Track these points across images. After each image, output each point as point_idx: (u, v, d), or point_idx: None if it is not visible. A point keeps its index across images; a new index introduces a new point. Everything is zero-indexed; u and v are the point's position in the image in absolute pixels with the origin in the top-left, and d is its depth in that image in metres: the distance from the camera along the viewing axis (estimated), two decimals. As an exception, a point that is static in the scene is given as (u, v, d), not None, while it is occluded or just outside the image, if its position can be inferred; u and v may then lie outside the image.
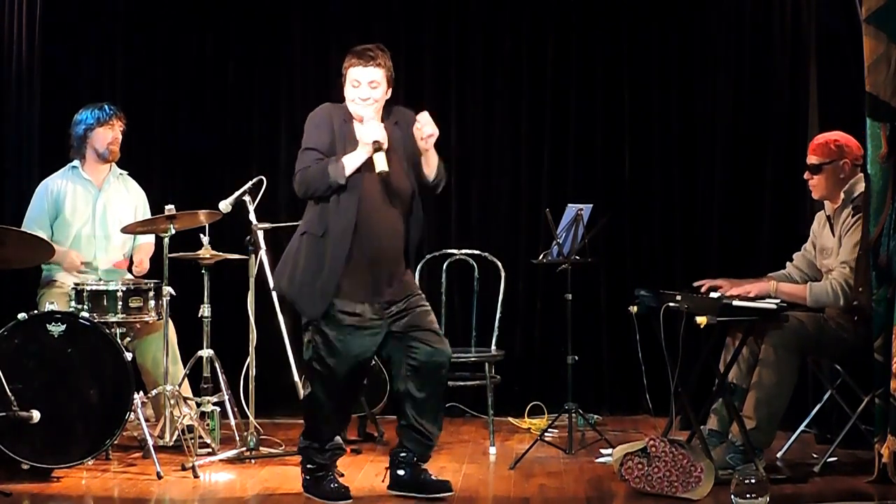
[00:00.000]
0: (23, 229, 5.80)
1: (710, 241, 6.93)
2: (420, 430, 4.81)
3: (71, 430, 5.24)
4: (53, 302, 5.46)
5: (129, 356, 5.39)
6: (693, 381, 5.30)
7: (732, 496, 4.22)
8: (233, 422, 5.74)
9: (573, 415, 5.77)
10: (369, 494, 4.94)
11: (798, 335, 5.11)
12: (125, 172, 6.24)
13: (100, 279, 5.88)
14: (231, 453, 5.55)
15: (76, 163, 6.11)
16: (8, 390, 5.03)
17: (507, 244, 6.96)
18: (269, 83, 7.17)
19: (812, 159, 5.37)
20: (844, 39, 5.95)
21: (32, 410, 5.06)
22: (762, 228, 6.79)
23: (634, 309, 5.39)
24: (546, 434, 5.85)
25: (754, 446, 5.03)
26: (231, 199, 5.56)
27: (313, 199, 4.76)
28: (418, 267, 5.83)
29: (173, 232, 5.61)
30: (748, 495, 4.18)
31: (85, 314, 5.40)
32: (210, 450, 5.58)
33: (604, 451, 5.67)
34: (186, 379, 5.88)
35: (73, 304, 5.63)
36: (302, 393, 5.44)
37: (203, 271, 5.75)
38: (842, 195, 5.29)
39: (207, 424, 5.69)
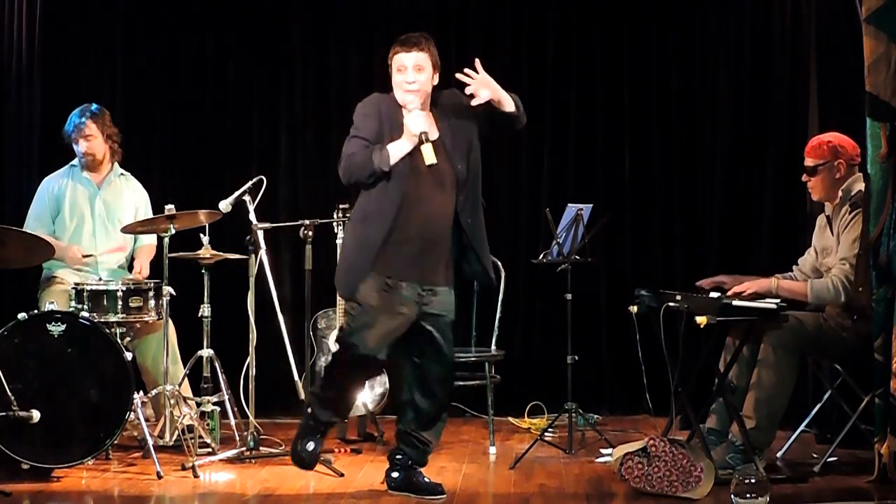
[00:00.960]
0: (25, 228, 5.82)
1: (710, 241, 6.93)
2: (419, 438, 4.84)
3: (71, 430, 5.24)
4: (53, 301, 5.46)
5: (129, 356, 5.40)
6: (693, 381, 5.30)
7: (732, 496, 4.22)
8: (233, 422, 5.74)
9: (573, 415, 5.77)
10: (369, 494, 4.94)
11: (797, 335, 5.11)
12: (127, 173, 6.24)
13: (100, 279, 5.88)
14: (231, 453, 5.55)
15: (76, 161, 6.12)
16: (8, 390, 5.03)
17: (507, 244, 6.95)
18: (269, 83, 7.17)
19: (808, 161, 5.39)
20: (844, 39, 5.96)
21: (32, 410, 5.07)
22: (762, 228, 6.79)
23: (634, 309, 5.39)
24: (546, 434, 5.85)
25: (754, 446, 5.03)
26: (231, 199, 5.56)
27: (357, 186, 4.73)
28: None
29: (173, 232, 5.60)
30: (748, 495, 4.18)
31: (85, 314, 5.40)
32: (210, 450, 5.58)
33: (604, 451, 5.67)
34: (186, 379, 5.89)
35: (73, 303, 5.63)
36: (302, 393, 5.44)
37: (203, 271, 5.75)
38: (839, 193, 5.31)
39: (207, 424, 5.69)
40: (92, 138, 6.04)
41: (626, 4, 7.07)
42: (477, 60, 4.70)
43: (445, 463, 5.56)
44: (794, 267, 5.56)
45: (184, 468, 5.31)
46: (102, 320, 5.52)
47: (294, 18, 7.17)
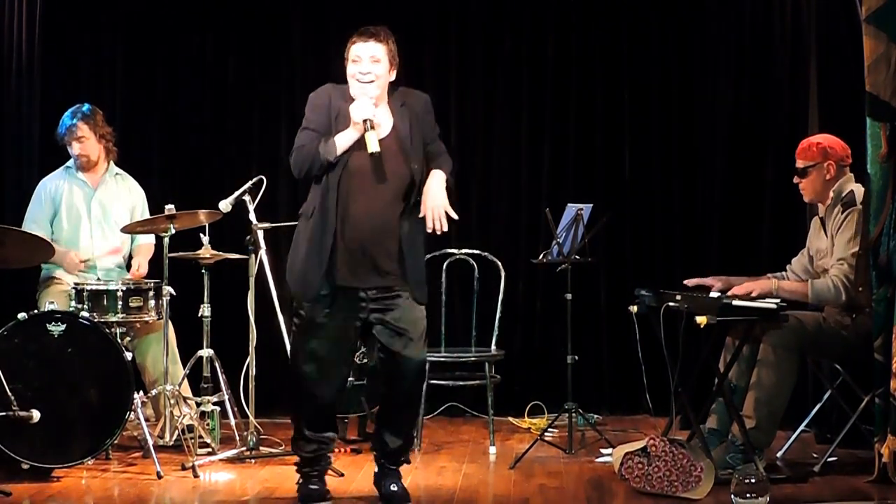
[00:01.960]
0: (23, 229, 5.82)
1: (710, 241, 6.93)
2: (381, 437, 4.77)
3: (71, 430, 5.24)
4: (53, 301, 5.46)
5: (129, 356, 5.40)
6: (693, 381, 5.30)
7: (732, 496, 4.22)
8: (233, 422, 5.74)
9: (573, 414, 5.77)
10: (369, 495, 4.94)
11: (797, 334, 5.11)
12: (123, 172, 6.24)
13: (99, 279, 5.88)
14: (231, 453, 5.55)
15: (71, 162, 6.12)
16: (8, 390, 5.04)
17: (507, 244, 6.95)
18: (269, 83, 7.17)
19: (798, 163, 5.41)
20: (844, 39, 5.96)
21: (32, 410, 5.07)
22: (762, 228, 6.79)
23: (634, 309, 5.39)
24: (546, 434, 5.85)
25: (754, 446, 5.03)
26: (231, 198, 5.56)
27: (309, 179, 4.65)
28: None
29: (173, 232, 5.61)
30: (748, 495, 4.18)
31: (85, 314, 5.40)
32: (210, 450, 5.58)
33: (604, 451, 5.67)
34: (186, 379, 5.89)
35: (73, 303, 5.63)
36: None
37: (203, 271, 5.75)
38: (831, 195, 5.32)
39: (207, 424, 5.69)
40: (85, 139, 6.03)
41: (626, 4, 7.07)
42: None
43: (445, 463, 5.56)
44: (787, 267, 5.56)
45: (184, 468, 5.32)
46: (102, 320, 5.52)
47: (294, 18, 7.17)
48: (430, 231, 4.59)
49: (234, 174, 6.45)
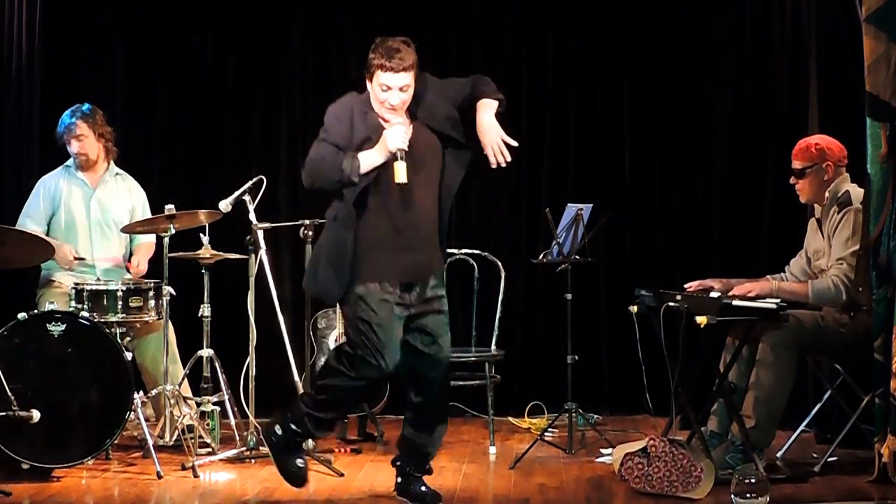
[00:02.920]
0: (19, 225, 5.82)
1: (710, 241, 6.93)
2: (414, 442, 4.74)
3: (71, 430, 5.24)
4: (53, 302, 5.46)
5: (129, 356, 5.40)
6: (693, 381, 5.30)
7: (732, 496, 4.22)
8: (233, 422, 5.74)
9: (573, 415, 5.77)
10: (369, 494, 4.94)
11: (796, 334, 5.11)
12: (123, 172, 6.24)
13: (98, 278, 5.88)
14: (231, 453, 5.55)
15: (70, 162, 6.12)
16: (8, 390, 5.03)
17: (507, 244, 6.96)
18: (269, 83, 7.17)
19: (795, 164, 5.41)
20: (844, 39, 5.95)
21: (32, 410, 5.07)
22: (762, 228, 6.79)
23: (634, 309, 5.39)
24: (546, 434, 5.85)
25: (754, 446, 5.03)
26: (231, 198, 5.55)
27: (320, 191, 4.60)
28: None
29: (173, 232, 5.61)
30: (748, 495, 4.18)
31: (85, 314, 5.40)
32: (210, 449, 5.58)
33: (604, 451, 5.67)
34: (186, 379, 5.88)
35: (72, 303, 5.63)
36: (302, 391, 5.43)
37: (203, 271, 5.75)
38: (827, 195, 5.32)
39: (207, 424, 5.69)
40: (84, 138, 6.03)
41: (626, 4, 7.07)
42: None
43: (445, 463, 5.56)
44: (785, 268, 5.56)
45: (184, 468, 5.31)
46: (102, 320, 5.52)
47: (294, 18, 7.17)
48: (493, 166, 4.56)
49: (234, 174, 6.45)
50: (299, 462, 4.73)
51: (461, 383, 6.19)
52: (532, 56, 7.13)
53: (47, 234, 5.93)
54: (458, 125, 4.64)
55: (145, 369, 5.95)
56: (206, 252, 5.67)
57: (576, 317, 5.81)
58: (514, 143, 4.57)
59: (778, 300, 5.06)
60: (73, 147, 6.04)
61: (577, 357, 5.75)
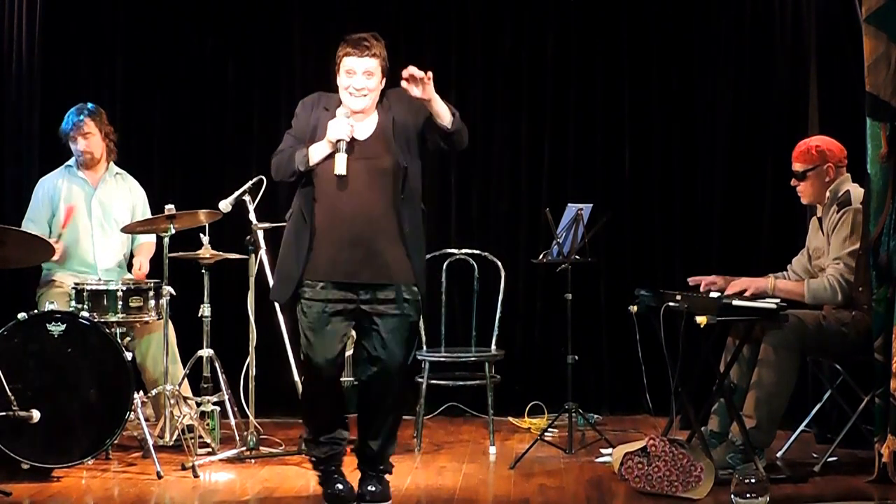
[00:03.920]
0: (22, 229, 5.82)
1: (710, 241, 6.92)
2: (362, 442, 4.74)
3: (71, 430, 5.24)
4: (53, 301, 5.46)
5: (129, 356, 5.40)
6: (693, 381, 5.30)
7: (732, 496, 4.21)
8: (233, 422, 5.74)
9: (573, 414, 5.77)
10: (369, 494, 4.94)
11: (797, 333, 5.11)
12: (123, 172, 6.24)
13: (99, 279, 5.88)
14: (231, 453, 5.55)
15: (71, 161, 6.12)
16: (8, 390, 5.03)
17: (507, 244, 6.95)
18: (269, 83, 7.17)
19: (796, 166, 5.41)
20: (844, 39, 5.95)
21: (32, 410, 5.07)
22: (762, 228, 6.80)
23: (634, 309, 5.39)
24: (546, 434, 5.85)
25: (754, 446, 5.04)
26: (231, 198, 5.56)
27: (285, 183, 4.75)
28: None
29: (173, 232, 5.61)
30: (748, 495, 4.18)
31: (85, 314, 5.40)
32: (210, 449, 5.58)
33: (604, 451, 5.67)
34: (186, 379, 5.88)
35: (73, 303, 5.63)
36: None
37: (203, 271, 5.75)
38: (827, 194, 5.33)
39: (207, 424, 5.69)
40: (91, 136, 6.04)
41: (626, 4, 7.07)
42: (429, 73, 4.55)
43: (445, 463, 5.56)
44: (787, 266, 5.57)
45: (184, 468, 5.32)
46: (102, 320, 5.52)
47: (294, 18, 7.17)
48: (404, 78, 4.53)
49: (234, 174, 6.45)
50: (339, 487, 4.71)
51: (461, 383, 6.19)
52: (532, 56, 7.12)
53: (49, 236, 5.93)
54: (416, 140, 4.70)
55: (145, 369, 5.95)
56: (206, 252, 5.67)
57: (576, 317, 5.81)
58: (421, 74, 4.54)
59: (778, 300, 5.07)
60: (80, 145, 6.04)
61: (577, 357, 5.75)
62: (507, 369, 6.44)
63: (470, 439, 6.22)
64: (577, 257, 5.74)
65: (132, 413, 5.41)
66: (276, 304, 5.55)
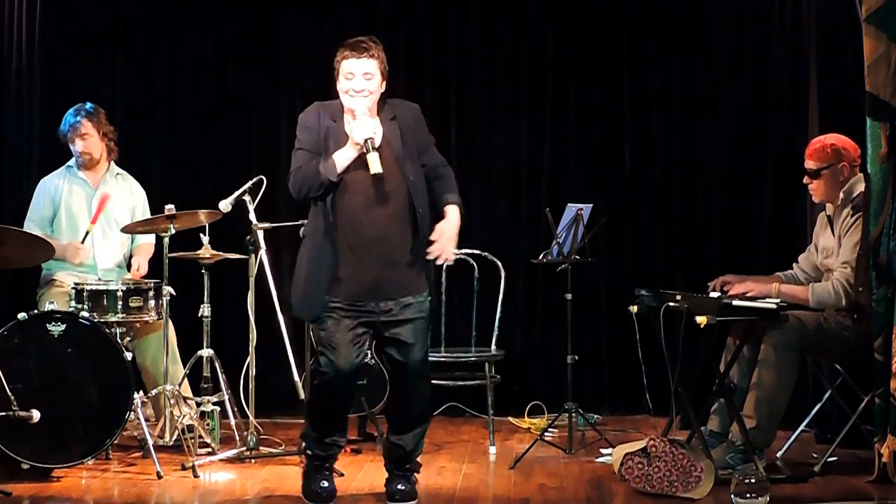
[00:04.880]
0: (23, 229, 5.82)
1: (710, 241, 6.92)
2: (393, 442, 4.83)
3: (71, 430, 5.24)
4: (53, 301, 5.46)
5: (129, 356, 5.40)
6: (693, 381, 5.30)
7: (732, 496, 4.22)
8: (233, 422, 5.74)
9: (573, 414, 5.77)
10: (369, 494, 4.94)
11: (798, 334, 5.11)
12: (124, 172, 6.24)
13: (99, 278, 5.88)
14: (231, 453, 5.55)
15: (72, 162, 6.12)
16: (8, 390, 5.03)
17: (507, 244, 6.95)
18: (269, 83, 7.17)
19: (810, 164, 5.38)
20: (844, 39, 5.95)
21: (32, 410, 5.07)
22: (762, 228, 6.80)
23: (634, 309, 5.39)
24: (546, 434, 5.85)
25: (754, 446, 5.04)
26: (231, 198, 5.55)
27: (309, 199, 4.70)
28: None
29: (173, 232, 5.61)
30: (748, 495, 4.18)
31: (85, 314, 5.40)
32: (210, 449, 5.58)
33: (604, 451, 5.67)
34: (186, 379, 5.88)
35: (73, 303, 5.63)
36: (302, 393, 5.44)
37: (203, 271, 5.75)
38: (841, 195, 5.31)
39: (207, 424, 5.69)
40: (88, 137, 6.04)
41: (626, 4, 7.07)
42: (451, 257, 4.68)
43: (445, 463, 5.56)
44: (794, 264, 5.57)
45: (184, 468, 5.32)
46: (102, 320, 5.52)
47: (294, 19, 7.17)
48: (427, 257, 4.67)
49: (234, 174, 6.44)
50: (324, 484, 4.80)
51: (461, 383, 6.19)
52: (532, 56, 7.12)
53: (51, 236, 5.92)
54: (417, 151, 4.74)
55: (145, 369, 5.95)
56: (206, 252, 5.67)
57: (576, 317, 5.81)
58: (452, 260, 4.73)
59: (778, 300, 5.07)
60: (78, 146, 6.04)
61: (577, 357, 5.75)
62: (507, 369, 6.44)
63: (470, 439, 6.22)
64: (577, 257, 5.74)
65: (132, 413, 5.41)
66: (276, 304, 5.54)
